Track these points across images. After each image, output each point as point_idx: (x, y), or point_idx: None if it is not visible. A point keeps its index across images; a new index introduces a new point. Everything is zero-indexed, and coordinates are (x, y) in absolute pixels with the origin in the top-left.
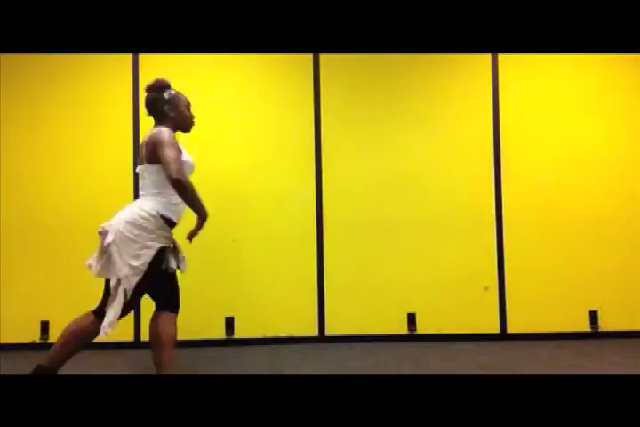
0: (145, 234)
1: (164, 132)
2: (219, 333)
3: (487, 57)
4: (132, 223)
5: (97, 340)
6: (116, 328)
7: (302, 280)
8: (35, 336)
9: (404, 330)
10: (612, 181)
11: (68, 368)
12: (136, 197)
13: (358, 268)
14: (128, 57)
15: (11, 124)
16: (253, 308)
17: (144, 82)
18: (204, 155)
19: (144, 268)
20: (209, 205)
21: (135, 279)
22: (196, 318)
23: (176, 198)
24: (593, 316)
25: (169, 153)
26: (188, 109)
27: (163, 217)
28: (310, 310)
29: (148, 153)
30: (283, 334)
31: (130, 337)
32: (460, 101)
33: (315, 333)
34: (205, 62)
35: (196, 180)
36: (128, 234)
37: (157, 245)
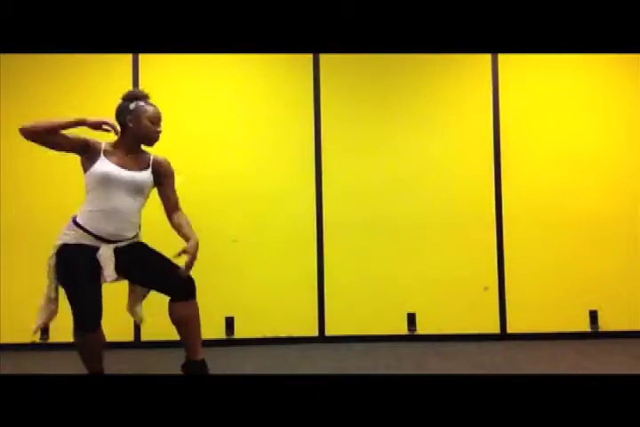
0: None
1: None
2: (219, 333)
3: (487, 57)
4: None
5: None
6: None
7: (302, 280)
8: (35, 336)
9: (404, 330)
10: (612, 181)
11: (68, 368)
12: None
13: (358, 268)
14: (128, 57)
15: (10, 124)
16: (253, 308)
17: (144, 82)
18: (203, 155)
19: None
20: (209, 205)
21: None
22: None
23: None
24: (593, 316)
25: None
26: (154, 123)
27: (74, 224)
28: (310, 310)
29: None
30: (283, 334)
31: (130, 337)
32: (460, 101)
33: (315, 333)
34: (205, 62)
35: (196, 180)
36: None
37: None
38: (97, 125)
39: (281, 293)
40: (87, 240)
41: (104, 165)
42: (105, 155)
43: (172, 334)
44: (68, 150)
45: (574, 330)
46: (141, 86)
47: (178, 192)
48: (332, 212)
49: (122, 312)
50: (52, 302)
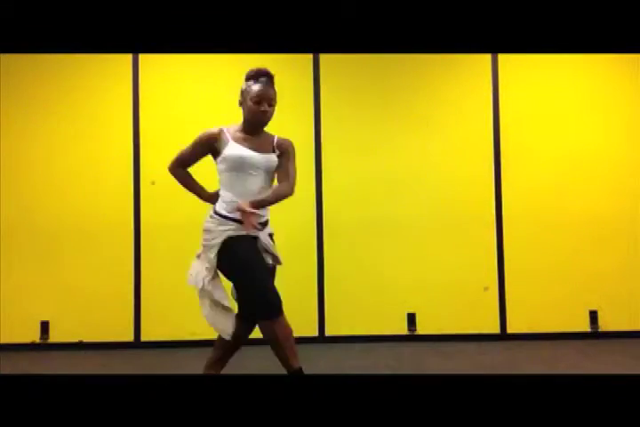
0: (205, 234)
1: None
2: None
3: (487, 57)
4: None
5: (97, 340)
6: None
7: (302, 280)
8: (35, 336)
9: (404, 330)
10: (612, 180)
11: (68, 368)
12: (136, 196)
13: (358, 268)
14: (128, 57)
15: (10, 124)
16: None
17: (144, 82)
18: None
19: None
20: (209, 205)
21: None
22: (197, 318)
23: (227, 196)
24: (593, 316)
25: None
26: (258, 102)
27: (219, 214)
28: (310, 310)
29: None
30: None
31: (130, 337)
32: (460, 101)
33: (315, 333)
34: (205, 62)
35: (196, 179)
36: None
37: (219, 241)
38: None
39: (281, 293)
40: (238, 229)
41: (236, 149)
42: (234, 140)
43: (172, 334)
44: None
45: (574, 330)
46: (141, 86)
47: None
48: (331, 212)
49: (122, 312)
50: (227, 306)
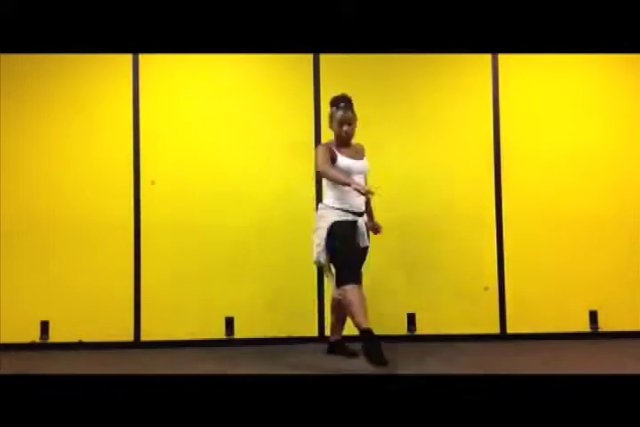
0: (319, 220)
1: (318, 147)
2: (219, 333)
3: (487, 57)
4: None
5: (97, 340)
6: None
7: (302, 280)
8: (35, 336)
9: (403, 330)
10: (612, 181)
11: (68, 368)
12: (136, 196)
13: None
14: (128, 57)
15: (10, 124)
16: (253, 308)
17: (144, 82)
18: (204, 155)
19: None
20: (209, 204)
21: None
22: (196, 318)
23: (336, 194)
24: (593, 316)
25: (315, 159)
26: (340, 125)
27: (329, 206)
28: (310, 310)
29: None
30: (283, 333)
31: (130, 337)
32: (460, 101)
33: (315, 333)
34: (205, 62)
35: (196, 180)
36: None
37: (327, 224)
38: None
39: (281, 293)
40: (347, 216)
41: (343, 160)
42: (339, 153)
43: (172, 333)
44: None
45: (574, 330)
46: (141, 86)
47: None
48: None
49: (122, 312)
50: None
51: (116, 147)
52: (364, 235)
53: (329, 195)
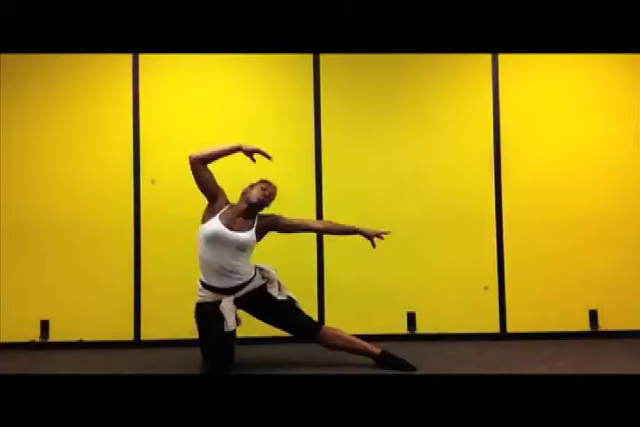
0: None
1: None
2: None
3: (487, 57)
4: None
5: (97, 339)
6: None
7: (302, 280)
8: (34, 335)
9: (403, 330)
10: (612, 180)
11: (68, 367)
12: (136, 195)
13: (358, 267)
14: (128, 57)
15: (10, 124)
16: None
17: (144, 82)
18: None
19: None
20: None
21: None
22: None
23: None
24: (593, 316)
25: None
26: (259, 199)
27: (200, 281)
28: (310, 309)
29: None
30: (283, 333)
31: (130, 337)
32: (460, 101)
33: None
34: (205, 62)
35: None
36: None
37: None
38: (251, 152)
39: None
40: (211, 297)
41: (216, 225)
42: (220, 216)
43: (173, 333)
44: (206, 188)
45: (574, 329)
46: (141, 86)
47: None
48: (331, 212)
49: (122, 311)
50: None
51: (116, 146)
52: (228, 318)
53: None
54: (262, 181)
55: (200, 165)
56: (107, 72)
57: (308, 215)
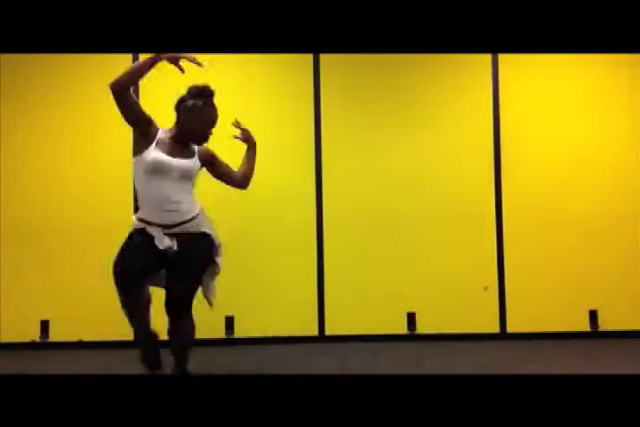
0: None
1: None
2: (218, 332)
3: (487, 57)
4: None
5: (97, 339)
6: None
7: (302, 280)
8: (35, 335)
9: (403, 330)
10: (612, 180)
11: (68, 368)
12: (135, 198)
13: (358, 267)
14: (128, 57)
15: (10, 124)
16: (253, 308)
17: (144, 82)
18: None
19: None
20: (209, 204)
21: None
22: (196, 318)
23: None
24: (593, 316)
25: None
26: (202, 125)
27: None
28: (310, 309)
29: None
30: (283, 333)
31: (130, 337)
32: (460, 101)
33: (315, 332)
34: (205, 62)
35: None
36: None
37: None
38: (175, 60)
39: (281, 292)
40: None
41: (155, 154)
42: (157, 144)
43: None
44: (135, 117)
45: (574, 330)
46: (142, 86)
47: None
48: (332, 211)
49: (122, 311)
50: None
51: (117, 147)
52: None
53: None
54: (201, 95)
55: (124, 93)
56: (107, 72)
57: (308, 215)
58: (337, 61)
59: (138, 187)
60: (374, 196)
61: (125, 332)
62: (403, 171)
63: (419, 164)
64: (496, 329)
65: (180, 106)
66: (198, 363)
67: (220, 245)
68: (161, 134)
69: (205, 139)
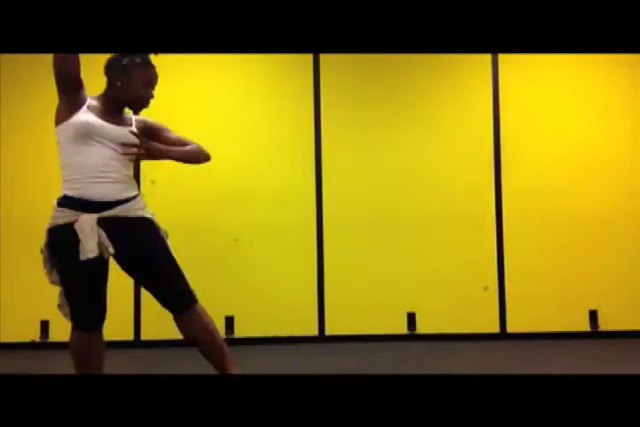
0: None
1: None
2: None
3: (487, 57)
4: None
5: None
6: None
7: (302, 280)
8: (35, 335)
9: (403, 330)
10: (612, 180)
11: (69, 368)
12: None
13: (358, 267)
14: None
15: (10, 123)
16: (253, 307)
17: None
18: None
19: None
20: (209, 204)
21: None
22: None
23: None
24: (593, 316)
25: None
26: (147, 86)
27: (58, 199)
28: (310, 309)
29: None
30: (283, 333)
31: (130, 337)
32: (460, 101)
33: (315, 332)
34: (205, 62)
35: (196, 180)
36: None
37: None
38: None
39: (281, 292)
40: (68, 216)
41: (86, 116)
42: (88, 108)
43: (173, 333)
44: (69, 75)
45: (574, 329)
46: None
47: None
48: (332, 211)
49: (122, 311)
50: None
51: None
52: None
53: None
54: (140, 52)
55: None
56: None
57: (308, 215)
58: (337, 61)
59: (63, 159)
60: (374, 195)
61: (125, 332)
62: (403, 171)
63: (419, 163)
64: (496, 329)
65: (117, 65)
66: (198, 363)
67: (166, 235)
68: (90, 100)
69: (147, 103)
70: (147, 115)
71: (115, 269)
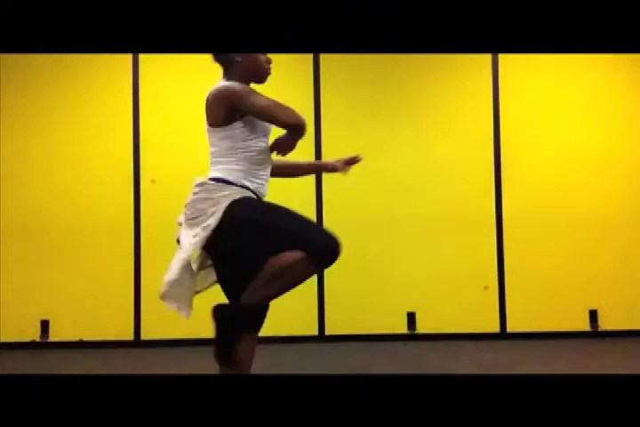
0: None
1: (230, 85)
2: None
3: (487, 57)
4: (189, 205)
5: (97, 338)
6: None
7: None
8: (35, 335)
9: (403, 329)
10: (612, 180)
11: (68, 367)
12: (136, 195)
13: (358, 267)
14: (128, 57)
15: (10, 123)
16: None
17: (144, 82)
18: (203, 154)
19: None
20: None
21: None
22: (196, 318)
23: (241, 165)
24: (593, 315)
25: (257, 101)
26: (261, 62)
27: (222, 180)
28: (310, 309)
29: (207, 115)
30: (283, 333)
31: (130, 336)
32: (460, 101)
33: (315, 332)
34: (205, 62)
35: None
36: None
37: (222, 206)
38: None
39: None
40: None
41: None
42: None
43: (173, 332)
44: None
45: (574, 329)
46: (141, 86)
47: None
48: (331, 211)
49: (122, 311)
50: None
51: (116, 146)
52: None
53: (231, 168)
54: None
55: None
56: (107, 72)
57: (308, 215)
58: (337, 61)
59: (239, 148)
60: (375, 195)
61: (125, 332)
62: (403, 170)
63: (419, 163)
64: (496, 329)
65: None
66: (197, 363)
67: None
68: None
69: (267, 76)
70: (147, 115)
71: (115, 270)
